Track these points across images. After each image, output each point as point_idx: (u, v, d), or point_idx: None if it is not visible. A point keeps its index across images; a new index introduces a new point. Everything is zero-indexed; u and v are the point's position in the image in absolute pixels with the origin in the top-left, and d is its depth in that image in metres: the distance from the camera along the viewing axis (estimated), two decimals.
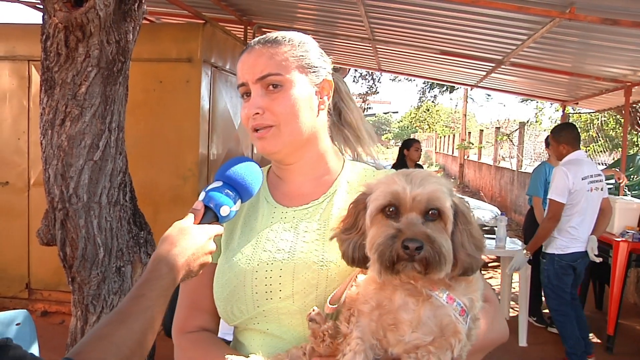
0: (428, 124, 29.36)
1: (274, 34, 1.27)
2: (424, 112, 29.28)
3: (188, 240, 1.07)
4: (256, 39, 1.28)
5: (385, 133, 59.22)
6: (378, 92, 20.05)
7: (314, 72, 1.25)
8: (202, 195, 1.16)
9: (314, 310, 1.07)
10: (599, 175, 4.44)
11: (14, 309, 2.67)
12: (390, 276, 0.93)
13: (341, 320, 1.02)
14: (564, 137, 4.54)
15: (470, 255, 0.94)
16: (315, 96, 1.25)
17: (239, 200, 1.18)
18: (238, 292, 1.19)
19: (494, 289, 6.13)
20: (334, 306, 1.07)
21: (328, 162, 1.31)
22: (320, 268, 1.16)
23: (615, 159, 9.42)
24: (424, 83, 22.70)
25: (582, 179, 4.31)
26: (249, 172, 1.20)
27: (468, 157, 21.84)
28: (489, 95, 24.85)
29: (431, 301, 0.94)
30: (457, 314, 0.94)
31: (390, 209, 0.96)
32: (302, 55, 1.24)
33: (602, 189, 4.42)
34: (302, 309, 1.13)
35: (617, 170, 6.49)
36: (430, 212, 0.93)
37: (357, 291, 1.02)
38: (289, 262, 1.18)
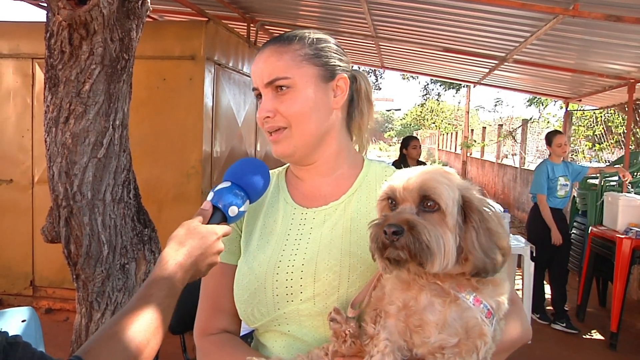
0: (435, 123, 29.22)
1: (289, 32, 1.26)
2: (429, 112, 29.14)
3: (196, 240, 1.08)
4: (272, 38, 1.27)
5: (388, 130, 59.17)
6: (380, 89, 20.07)
7: (327, 69, 1.23)
8: (211, 195, 1.16)
9: (334, 311, 1.06)
10: None
11: (19, 306, 2.68)
12: (390, 267, 0.93)
13: (367, 321, 1.01)
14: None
15: (486, 254, 0.91)
16: (329, 94, 1.23)
17: (248, 201, 1.19)
18: (259, 295, 1.19)
19: None
20: (356, 310, 1.06)
21: (346, 161, 1.30)
22: (342, 270, 1.15)
23: (619, 156, 9.40)
24: (427, 81, 22.66)
25: None
26: (258, 173, 1.20)
27: (471, 154, 21.81)
28: (498, 100, 24.85)
29: (458, 303, 0.93)
30: (483, 316, 0.93)
31: (391, 202, 0.97)
32: (315, 53, 1.22)
33: None
34: (323, 311, 1.13)
35: (621, 167, 6.47)
36: (427, 204, 0.92)
37: (383, 291, 1.01)
38: (310, 264, 1.17)
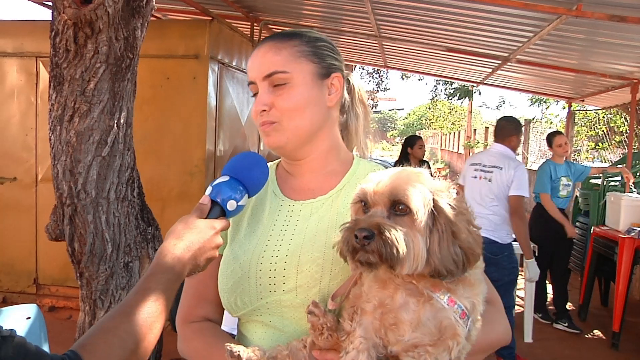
0: (452, 123, 28.99)
1: (287, 30, 1.27)
2: (445, 112, 28.93)
3: (195, 234, 1.08)
4: (269, 35, 1.28)
5: (391, 130, 59.11)
6: (389, 89, 20.04)
7: (323, 66, 1.25)
8: (209, 189, 1.16)
9: (312, 304, 1.07)
10: (493, 167, 4.45)
11: (22, 304, 2.69)
12: (361, 268, 0.94)
13: (344, 318, 1.02)
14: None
15: (444, 259, 0.91)
16: (324, 91, 1.25)
17: (246, 195, 1.18)
18: (242, 284, 1.20)
19: None
20: (336, 302, 1.08)
21: (337, 158, 1.32)
22: (325, 262, 1.16)
23: (621, 156, 9.39)
24: (436, 81, 22.59)
25: (470, 165, 4.59)
26: (257, 167, 1.20)
27: (474, 154, 21.78)
28: (502, 97, 24.76)
29: (432, 303, 0.94)
30: (457, 316, 0.93)
31: (363, 205, 0.97)
32: (312, 50, 1.24)
33: (489, 180, 4.42)
34: (305, 302, 1.13)
35: (624, 167, 6.47)
36: (398, 207, 0.92)
37: (361, 289, 1.02)
38: (293, 255, 1.18)
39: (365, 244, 0.89)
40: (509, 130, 4.56)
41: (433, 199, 0.94)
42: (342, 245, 0.93)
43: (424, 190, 0.93)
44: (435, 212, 0.93)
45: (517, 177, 4.34)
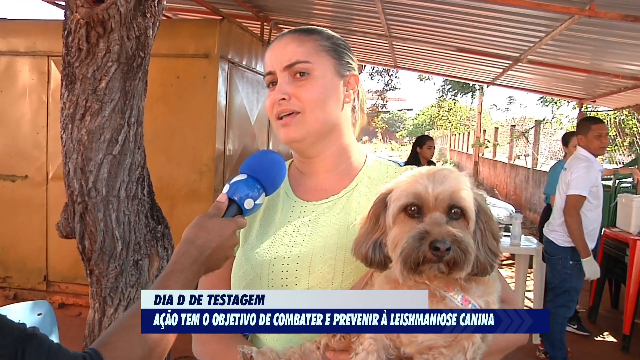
0: (452, 123, 28.89)
1: (304, 27, 1.29)
2: (446, 112, 28.88)
3: (212, 233, 1.08)
4: (287, 30, 1.29)
5: (400, 130, 59.03)
6: (399, 88, 19.96)
7: (342, 64, 1.26)
8: (227, 187, 1.16)
9: None
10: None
11: (33, 300, 2.71)
12: (413, 276, 0.93)
13: None
14: None
15: (489, 255, 0.95)
16: (342, 89, 1.26)
17: (263, 194, 1.18)
18: (254, 285, 1.20)
19: None
20: None
21: (350, 156, 1.32)
22: (337, 263, 1.16)
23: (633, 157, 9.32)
24: (443, 82, 22.53)
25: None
26: (274, 166, 1.20)
27: (483, 154, 21.71)
28: (511, 97, 24.66)
29: (445, 302, 0.94)
30: None
31: (413, 209, 0.95)
32: (332, 47, 1.25)
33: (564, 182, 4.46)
34: None
35: (635, 169, 6.42)
36: (453, 211, 0.93)
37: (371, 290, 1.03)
38: (306, 256, 1.18)
39: (444, 255, 0.88)
40: (573, 133, 4.86)
41: (475, 199, 0.97)
42: (404, 256, 0.91)
43: (472, 193, 0.96)
44: (479, 211, 0.96)
45: (573, 176, 4.29)
